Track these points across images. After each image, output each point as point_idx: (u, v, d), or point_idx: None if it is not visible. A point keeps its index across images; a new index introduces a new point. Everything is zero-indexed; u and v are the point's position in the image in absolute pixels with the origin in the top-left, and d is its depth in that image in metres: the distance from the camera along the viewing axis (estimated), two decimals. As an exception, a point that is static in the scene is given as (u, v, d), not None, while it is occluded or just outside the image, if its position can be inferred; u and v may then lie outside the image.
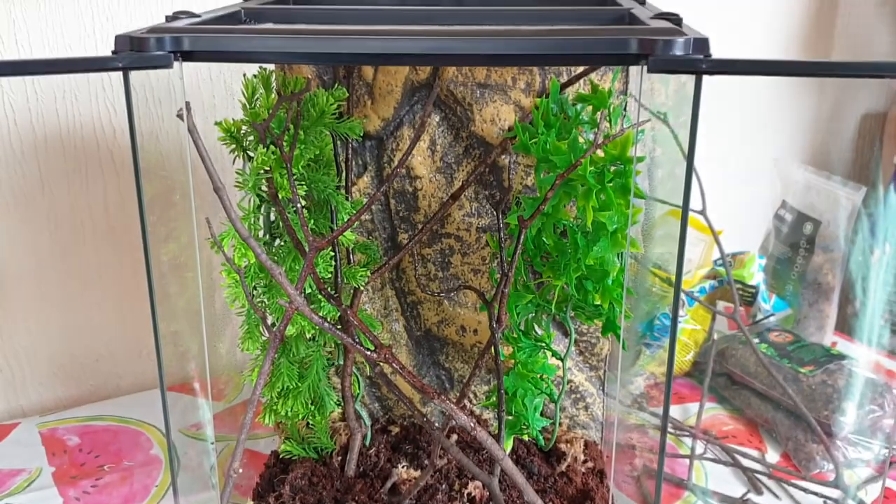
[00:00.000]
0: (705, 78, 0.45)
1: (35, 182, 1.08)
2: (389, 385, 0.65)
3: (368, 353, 0.60)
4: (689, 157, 0.50)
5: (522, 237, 0.64)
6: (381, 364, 0.65)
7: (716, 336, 1.18)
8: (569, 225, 0.68)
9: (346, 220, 0.74)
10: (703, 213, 1.00)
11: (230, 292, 0.65)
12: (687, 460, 0.99)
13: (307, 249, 0.61)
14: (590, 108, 0.70)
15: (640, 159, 0.60)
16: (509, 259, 0.64)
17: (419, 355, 0.87)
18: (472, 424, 0.60)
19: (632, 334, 1.14)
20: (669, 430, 1.06)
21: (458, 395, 0.81)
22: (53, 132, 1.08)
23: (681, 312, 1.20)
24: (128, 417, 1.09)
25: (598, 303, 0.71)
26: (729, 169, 1.33)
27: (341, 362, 0.78)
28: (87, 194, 1.11)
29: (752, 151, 1.44)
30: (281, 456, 0.80)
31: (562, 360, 0.74)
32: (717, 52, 0.46)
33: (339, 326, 0.71)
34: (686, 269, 1.18)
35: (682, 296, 1.20)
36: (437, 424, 0.87)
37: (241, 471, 0.64)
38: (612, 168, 0.63)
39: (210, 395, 0.71)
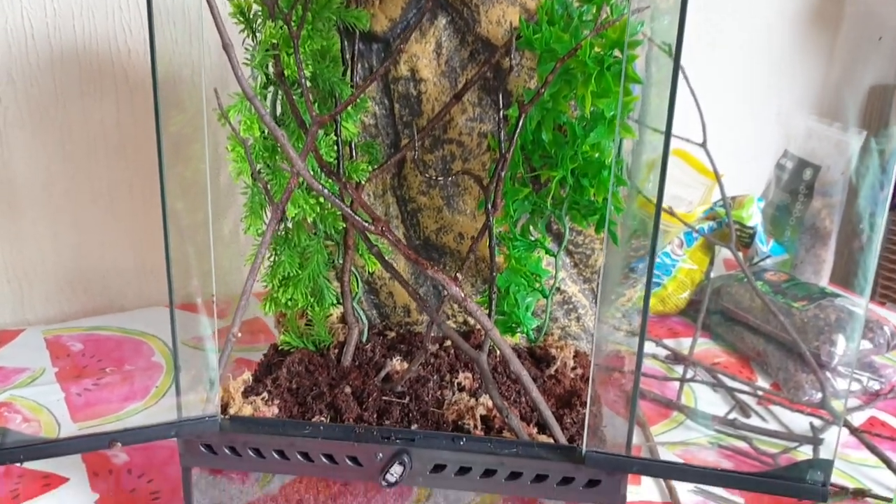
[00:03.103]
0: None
1: (50, 96, 1.10)
2: (385, 263, 0.66)
3: (366, 225, 0.62)
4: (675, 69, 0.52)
5: (522, 122, 0.66)
6: (378, 244, 0.67)
7: (712, 275, 1.19)
8: (568, 121, 0.70)
9: (353, 114, 0.76)
10: (703, 146, 1.01)
11: (235, 166, 0.67)
12: (677, 385, 1.00)
13: (310, 125, 0.63)
14: (594, 9, 0.71)
15: (637, 43, 0.61)
16: (507, 145, 0.66)
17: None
18: (462, 294, 0.62)
19: (629, 270, 1.16)
20: (661, 359, 1.08)
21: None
22: (70, 48, 1.10)
23: (679, 252, 1.21)
24: (131, 329, 1.11)
25: (593, 199, 0.72)
26: (733, 119, 1.34)
27: (342, 260, 0.81)
28: (100, 111, 1.14)
29: (759, 103, 1.45)
30: (280, 348, 0.83)
31: (555, 256, 0.76)
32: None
33: (340, 212, 0.73)
34: (686, 208, 1.19)
35: (681, 235, 1.22)
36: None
37: (240, 335, 0.66)
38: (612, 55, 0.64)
39: (215, 310, 0.73)
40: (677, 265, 1.21)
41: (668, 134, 0.57)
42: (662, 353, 1.09)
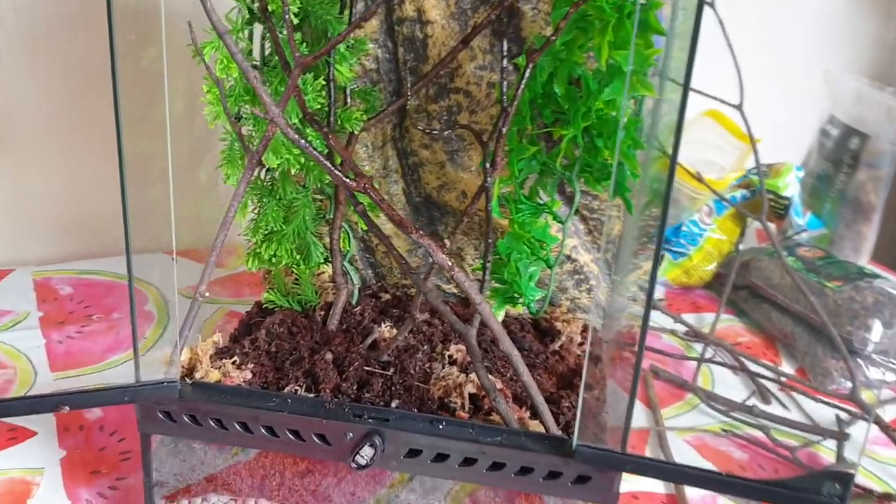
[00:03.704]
0: None
1: (53, 24, 1.04)
2: (370, 224, 0.60)
3: (347, 181, 0.56)
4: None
5: (529, 72, 0.58)
6: (365, 204, 0.61)
7: (741, 247, 1.12)
8: (582, 73, 0.63)
9: (348, 56, 0.69)
10: (739, 107, 0.93)
11: (210, 109, 0.61)
12: (693, 364, 0.94)
13: (293, 67, 0.57)
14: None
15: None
16: (511, 97, 0.59)
17: (417, 223, 0.83)
18: (450, 263, 0.55)
19: (646, 240, 1.09)
20: (680, 335, 1.01)
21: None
22: (70, -27, 1.04)
23: (707, 221, 1.14)
24: (125, 274, 1.06)
25: (608, 161, 0.65)
26: (774, 78, 1.24)
27: (332, 216, 0.74)
28: (102, 41, 1.07)
29: (803, 61, 1.34)
30: (263, 306, 0.77)
31: (563, 223, 0.69)
32: None
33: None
34: (717, 175, 1.11)
35: (710, 203, 1.14)
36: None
37: (207, 294, 0.60)
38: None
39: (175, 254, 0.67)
40: (705, 234, 1.13)
41: (685, 92, 0.50)
42: (682, 328, 1.02)
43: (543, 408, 0.58)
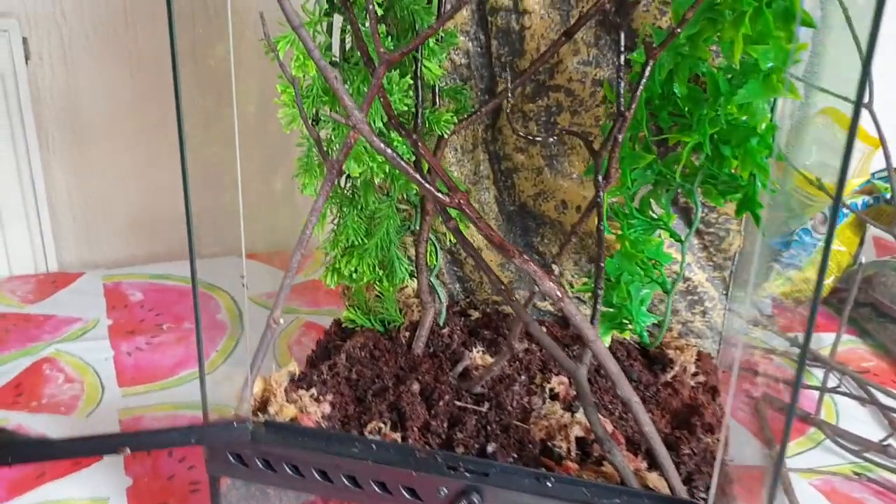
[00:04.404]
0: None
1: (118, 16, 1.00)
2: (463, 242, 0.53)
3: (440, 195, 0.49)
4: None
5: (648, 70, 0.50)
6: (456, 218, 0.53)
7: (863, 260, 1.01)
8: (708, 70, 0.54)
9: (437, 51, 0.61)
10: (867, 106, 0.82)
11: (285, 112, 0.54)
12: (815, 393, 0.84)
13: (378, 64, 0.49)
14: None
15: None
16: (628, 100, 0.51)
17: (509, 234, 0.75)
18: (559, 294, 0.47)
19: (764, 248, 0.99)
20: (795, 358, 0.91)
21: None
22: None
23: (822, 229, 1.03)
24: (199, 279, 1.01)
25: (736, 172, 0.56)
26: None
27: (418, 227, 0.67)
28: (190, 35, 1.02)
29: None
30: (343, 325, 0.71)
31: (681, 242, 0.60)
32: None
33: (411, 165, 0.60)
34: (832, 179, 1.00)
35: (826, 210, 1.03)
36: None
37: (282, 322, 0.54)
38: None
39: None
40: (819, 245, 1.02)
41: (858, 98, 0.41)
42: (793, 348, 0.92)
43: (668, 463, 0.49)
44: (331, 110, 0.56)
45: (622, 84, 0.50)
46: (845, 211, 1.03)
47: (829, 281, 1.02)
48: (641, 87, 0.49)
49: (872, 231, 1.16)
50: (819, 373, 0.87)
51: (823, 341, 0.95)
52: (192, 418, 0.75)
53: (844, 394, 0.83)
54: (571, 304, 0.48)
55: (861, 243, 1.06)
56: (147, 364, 0.83)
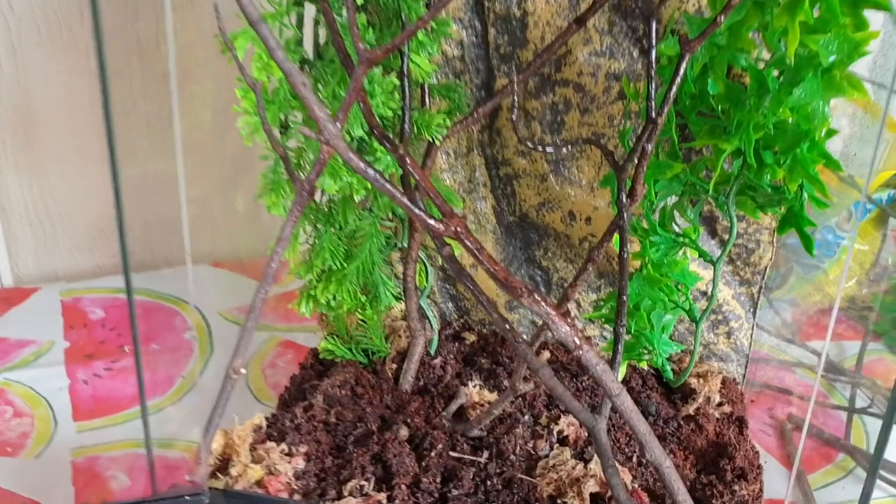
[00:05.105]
0: None
1: (73, 8, 0.90)
2: (459, 273, 0.44)
3: (432, 222, 0.40)
4: None
5: (683, 67, 0.41)
6: (451, 242, 0.45)
7: (891, 261, 0.93)
8: (750, 66, 0.45)
9: (427, 43, 0.53)
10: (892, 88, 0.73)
11: (246, 121, 0.46)
12: (843, 414, 0.76)
13: (357, 64, 0.41)
14: None
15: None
16: (659, 102, 0.42)
17: (509, 248, 0.67)
18: (577, 341, 0.39)
19: (783, 247, 0.91)
20: (817, 371, 0.83)
21: (557, 300, 0.60)
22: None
23: (846, 227, 0.95)
24: (166, 294, 0.93)
25: (780, 183, 0.48)
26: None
27: (405, 245, 0.59)
28: (134, 29, 0.93)
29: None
30: (321, 357, 0.62)
31: (714, 263, 0.52)
32: None
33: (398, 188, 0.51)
34: (860, 172, 0.92)
35: (851, 206, 0.95)
36: (524, 337, 0.67)
37: (244, 371, 0.45)
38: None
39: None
40: (842, 243, 0.95)
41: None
42: (816, 360, 0.84)
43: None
44: (303, 117, 0.47)
45: (653, 85, 0.41)
46: (869, 206, 0.95)
47: (851, 283, 0.95)
48: (675, 87, 0.41)
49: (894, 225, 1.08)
50: (846, 390, 0.80)
51: (847, 351, 0.88)
52: (163, 458, 0.67)
53: (876, 415, 0.76)
54: (593, 354, 0.40)
55: (883, 240, 0.99)
56: (106, 393, 0.75)
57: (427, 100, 0.56)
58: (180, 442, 0.69)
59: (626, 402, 0.41)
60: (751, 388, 0.73)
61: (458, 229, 0.40)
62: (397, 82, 0.49)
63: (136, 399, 0.74)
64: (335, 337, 0.61)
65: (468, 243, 0.40)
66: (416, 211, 0.40)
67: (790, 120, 0.46)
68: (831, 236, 0.95)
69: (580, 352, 0.40)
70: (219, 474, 0.48)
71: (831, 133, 0.44)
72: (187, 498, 0.43)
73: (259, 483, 0.47)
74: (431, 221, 0.40)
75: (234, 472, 0.47)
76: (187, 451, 0.68)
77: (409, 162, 0.42)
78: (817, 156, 0.45)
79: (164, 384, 0.77)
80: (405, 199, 0.40)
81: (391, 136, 0.53)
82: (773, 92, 0.44)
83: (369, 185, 0.51)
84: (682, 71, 0.41)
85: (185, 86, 0.72)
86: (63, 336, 0.83)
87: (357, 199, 0.52)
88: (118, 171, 0.40)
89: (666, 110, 0.42)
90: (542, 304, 0.40)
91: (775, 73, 0.45)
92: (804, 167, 0.45)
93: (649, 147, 0.42)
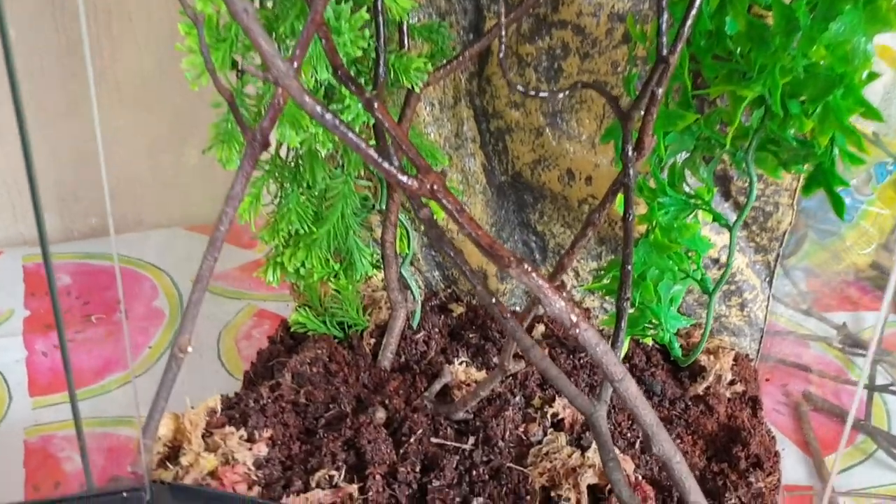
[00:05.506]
0: None
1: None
2: (438, 238, 0.38)
3: (404, 178, 0.34)
4: None
5: (697, 3, 0.35)
6: (428, 203, 0.39)
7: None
8: (774, 1, 0.39)
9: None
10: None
11: (191, 61, 0.39)
12: (864, 391, 0.71)
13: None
14: None
15: None
16: (671, 40, 0.36)
17: (500, 210, 0.61)
18: (573, 318, 0.33)
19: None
20: (836, 345, 0.78)
21: (551, 270, 0.54)
22: None
23: (866, 190, 0.89)
24: (136, 258, 0.87)
25: (808, 136, 0.42)
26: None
27: (384, 207, 0.53)
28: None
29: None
30: (292, 330, 0.56)
31: (730, 228, 0.46)
32: None
33: (370, 141, 0.45)
34: (884, 131, 0.86)
35: (871, 168, 0.89)
36: (516, 309, 0.62)
37: (191, 350, 0.39)
38: None
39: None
40: (861, 208, 0.89)
41: None
42: (834, 332, 0.79)
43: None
44: (247, 64, 0.41)
45: (664, 18, 0.35)
46: (889, 168, 0.89)
47: (869, 250, 0.89)
48: (690, 21, 0.34)
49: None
50: (865, 364, 0.74)
51: (865, 321, 0.82)
52: (126, 439, 0.62)
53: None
54: (592, 333, 0.34)
55: (902, 204, 0.93)
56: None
57: (406, 42, 0.49)
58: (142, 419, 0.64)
59: (631, 389, 0.35)
60: (765, 363, 0.68)
61: (435, 186, 0.34)
62: (368, 17, 0.43)
63: (100, 372, 0.69)
64: (307, 308, 0.56)
65: (446, 203, 0.34)
66: (385, 165, 0.34)
67: (822, 62, 0.39)
68: (849, 199, 0.89)
69: (577, 330, 0.34)
70: (168, 463, 0.42)
71: (873, 77, 0.38)
72: (125, 495, 0.37)
73: (213, 474, 0.42)
74: (403, 178, 0.34)
75: (184, 461, 0.42)
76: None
77: (376, 106, 0.35)
78: (853, 104, 0.39)
79: (131, 353, 0.72)
80: (371, 151, 0.33)
81: (364, 82, 0.46)
82: (805, 28, 0.37)
83: (337, 137, 0.44)
84: (697, 3, 0.35)
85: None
86: (24, 304, 0.78)
87: (324, 152, 0.46)
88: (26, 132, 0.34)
89: (679, 48, 0.35)
90: (533, 275, 0.34)
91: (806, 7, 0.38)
92: (837, 117, 0.39)
93: (659, 91, 0.36)
